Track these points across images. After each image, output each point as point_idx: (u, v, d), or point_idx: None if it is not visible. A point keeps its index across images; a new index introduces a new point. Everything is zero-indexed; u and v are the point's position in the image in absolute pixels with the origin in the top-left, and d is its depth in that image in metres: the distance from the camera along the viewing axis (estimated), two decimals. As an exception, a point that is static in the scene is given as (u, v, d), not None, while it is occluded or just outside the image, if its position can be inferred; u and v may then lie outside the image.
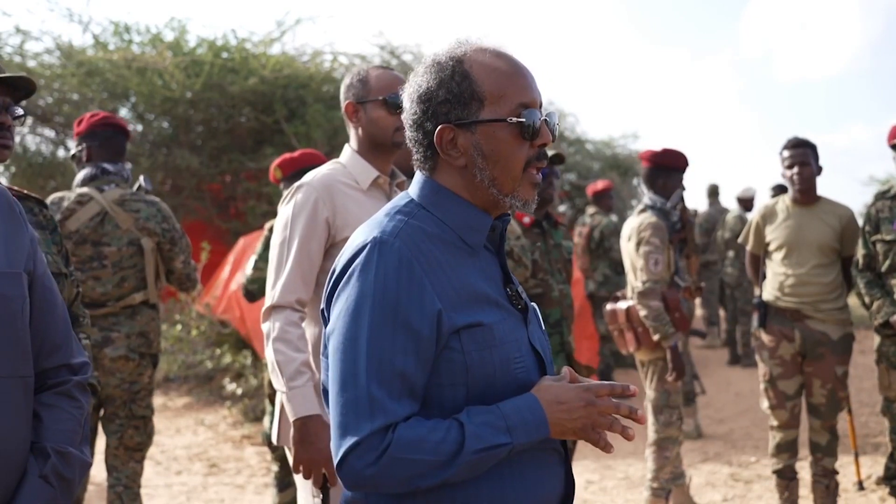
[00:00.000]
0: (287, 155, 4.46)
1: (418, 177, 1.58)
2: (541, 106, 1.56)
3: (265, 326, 2.47)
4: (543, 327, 1.68)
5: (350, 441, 1.40)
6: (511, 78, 1.53)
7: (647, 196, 4.62)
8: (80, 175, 3.80)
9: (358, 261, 1.46)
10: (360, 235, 1.50)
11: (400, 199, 1.58)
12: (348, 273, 1.47)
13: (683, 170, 4.61)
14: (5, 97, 2.29)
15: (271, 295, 2.48)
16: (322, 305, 1.55)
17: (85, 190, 3.75)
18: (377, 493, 1.49)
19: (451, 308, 1.45)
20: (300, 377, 2.37)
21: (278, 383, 2.40)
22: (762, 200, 8.83)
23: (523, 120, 1.51)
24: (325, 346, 1.56)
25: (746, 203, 9.81)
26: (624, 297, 4.60)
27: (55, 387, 1.63)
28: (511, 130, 1.51)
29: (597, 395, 1.48)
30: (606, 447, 1.51)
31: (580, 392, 1.47)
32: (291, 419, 2.37)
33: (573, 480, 1.61)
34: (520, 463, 1.49)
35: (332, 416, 1.44)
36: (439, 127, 1.51)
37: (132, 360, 3.66)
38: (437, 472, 1.40)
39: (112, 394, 3.68)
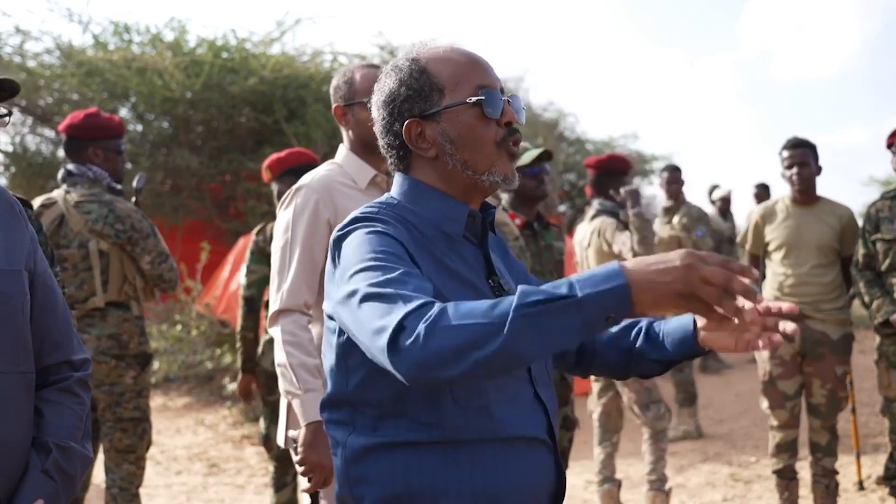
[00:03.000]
0: (274, 155, 4.45)
1: (397, 177, 1.63)
2: (502, 90, 1.60)
3: (274, 331, 2.44)
4: None
5: (389, 330, 1.28)
6: (466, 65, 1.58)
7: (596, 202, 4.73)
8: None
9: (345, 241, 1.48)
10: (339, 227, 1.54)
11: (383, 197, 1.63)
12: (337, 249, 1.49)
13: (627, 173, 4.78)
14: None
15: (277, 299, 2.46)
16: (323, 305, 1.56)
17: (53, 193, 3.77)
18: (373, 493, 1.49)
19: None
20: (313, 381, 2.36)
21: (290, 386, 2.38)
22: (742, 198, 8.84)
23: (483, 97, 1.55)
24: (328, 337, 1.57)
25: (723, 204, 9.70)
26: None
27: (56, 383, 1.64)
28: (474, 112, 1.55)
29: (703, 259, 1.26)
30: (722, 318, 1.31)
31: (683, 253, 1.27)
32: (303, 423, 2.34)
33: (563, 472, 1.61)
34: (504, 453, 1.49)
35: (363, 332, 1.35)
36: (406, 122, 1.56)
37: (104, 362, 3.61)
38: (493, 336, 1.24)
39: (94, 397, 3.65)
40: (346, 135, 2.66)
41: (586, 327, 1.26)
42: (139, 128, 9.71)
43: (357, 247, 1.45)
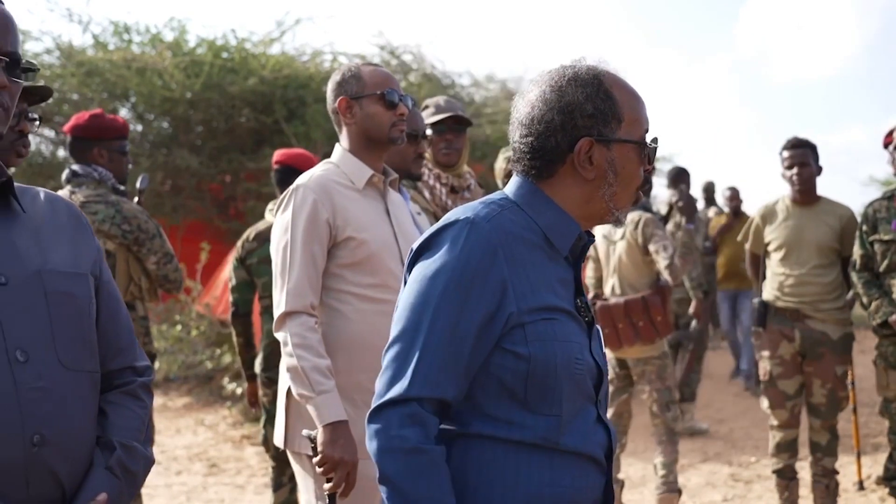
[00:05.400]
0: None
1: (516, 178, 1.61)
2: None
3: (281, 335, 2.43)
4: (603, 349, 1.69)
5: (394, 394, 1.45)
6: (641, 105, 1.61)
7: None
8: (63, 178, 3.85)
9: (446, 234, 1.51)
10: (452, 215, 1.55)
11: (495, 194, 1.62)
12: (434, 244, 1.52)
13: None
14: (23, 104, 2.26)
15: (281, 301, 2.45)
16: (404, 274, 1.59)
17: (58, 193, 3.76)
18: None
19: (523, 302, 1.49)
20: (327, 382, 2.36)
21: (304, 390, 2.37)
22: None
23: (656, 146, 1.59)
24: None
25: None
26: (603, 296, 4.65)
27: (121, 387, 1.67)
28: (638, 154, 1.58)
29: None
30: None
31: None
32: (320, 424, 2.34)
33: (612, 493, 1.61)
34: (561, 466, 1.51)
35: (384, 365, 1.49)
36: (582, 139, 1.54)
37: None
38: (400, 498, 1.42)
39: None
40: (345, 131, 2.63)
41: None
42: (139, 128, 9.70)
43: (447, 262, 1.48)
